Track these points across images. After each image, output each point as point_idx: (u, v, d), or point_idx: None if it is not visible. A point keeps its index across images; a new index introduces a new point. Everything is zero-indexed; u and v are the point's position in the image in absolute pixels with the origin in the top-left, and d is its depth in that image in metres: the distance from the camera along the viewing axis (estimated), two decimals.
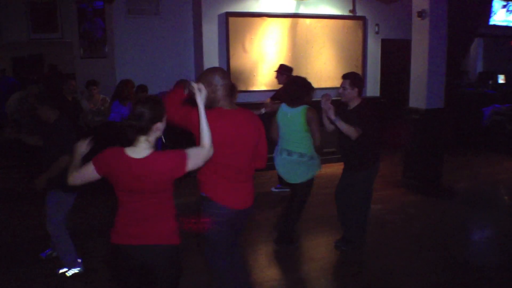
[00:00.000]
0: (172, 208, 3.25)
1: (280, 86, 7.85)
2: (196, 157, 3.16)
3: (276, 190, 8.12)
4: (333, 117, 5.08)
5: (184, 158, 3.10)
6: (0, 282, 5.04)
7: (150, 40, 9.95)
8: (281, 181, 7.92)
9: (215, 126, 3.34)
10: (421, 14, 7.87)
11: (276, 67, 8.33)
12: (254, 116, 3.85)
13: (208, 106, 3.46)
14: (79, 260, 5.21)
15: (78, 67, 10.18)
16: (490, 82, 14.43)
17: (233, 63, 9.71)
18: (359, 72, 10.98)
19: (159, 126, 3.12)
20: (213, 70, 3.78)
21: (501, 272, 5.35)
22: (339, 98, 5.66)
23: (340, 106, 5.61)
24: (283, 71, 7.98)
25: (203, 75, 3.71)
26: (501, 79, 14.84)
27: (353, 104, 5.48)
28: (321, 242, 6.07)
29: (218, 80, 3.61)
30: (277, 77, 8.05)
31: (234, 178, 3.69)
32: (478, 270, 5.38)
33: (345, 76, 5.55)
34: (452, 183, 8.67)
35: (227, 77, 3.78)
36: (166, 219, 3.21)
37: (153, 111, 3.07)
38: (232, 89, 3.69)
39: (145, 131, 3.06)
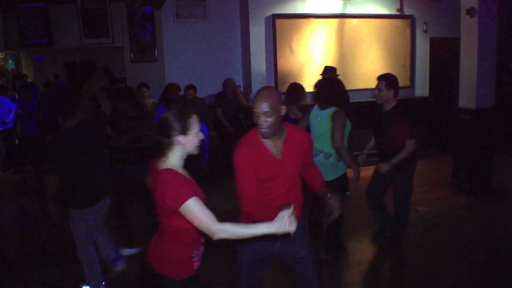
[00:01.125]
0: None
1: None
2: None
3: None
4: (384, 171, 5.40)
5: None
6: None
7: (198, 44, 10.13)
8: None
9: None
10: (470, 12, 7.74)
11: (322, 68, 8.30)
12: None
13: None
14: (104, 283, 4.99)
15: (128, 72, 10.41)
16: None
17: (280, 64, 9.76)
18: (408, 72, 10.90)
19: (181, 140, 3.00)
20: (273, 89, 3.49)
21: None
22: (374, 99, 5.68)
23: (375, 108, 5.66)
24: (330, 73, 7.91)
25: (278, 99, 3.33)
26: None
27: (389, 105, 5.47)
28: (365, 244, 6.06)
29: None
30: None
31: None
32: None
33: (380, 78, 5.51)
34: (503, 185, 8.46)
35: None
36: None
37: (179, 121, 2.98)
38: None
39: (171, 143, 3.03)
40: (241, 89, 9.92)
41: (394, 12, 10.70)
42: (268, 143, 3.35)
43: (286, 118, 7.49)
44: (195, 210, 2.85)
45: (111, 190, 4.97)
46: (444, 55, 11.15)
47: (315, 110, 5.64)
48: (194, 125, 3.01)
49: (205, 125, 8.97)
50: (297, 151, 3.41)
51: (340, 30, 10.26)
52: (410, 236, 6.08)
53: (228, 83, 9.17)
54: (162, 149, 3.01)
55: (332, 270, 5.51)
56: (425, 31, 11.06)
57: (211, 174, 9.00)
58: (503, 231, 6.47)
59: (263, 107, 3.22)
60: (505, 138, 10.75)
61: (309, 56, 10.02)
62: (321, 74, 7.95)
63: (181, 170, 3.06)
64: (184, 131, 2.95)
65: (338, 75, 7.83)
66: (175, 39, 10.07)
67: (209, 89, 9.85)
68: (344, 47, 10.32)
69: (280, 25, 9.69)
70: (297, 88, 7.09)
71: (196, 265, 3.15)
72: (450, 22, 10.59)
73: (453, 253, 5.75)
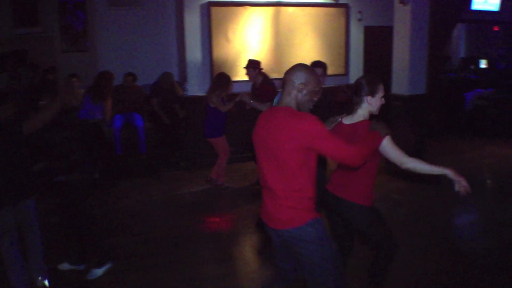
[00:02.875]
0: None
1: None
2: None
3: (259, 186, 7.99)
4: None
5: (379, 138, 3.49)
6: None
7: (132, 32, 9.82)
8: None
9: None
10: (403, 0, 7.81)
11: (259, 56, 8.21)
12: (289, 115, 3.11)
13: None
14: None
15: (59, 61, 10.00)
16: (472, 67, 14.45)
17: (216, 53, 9.60)
18: (342, 59, 10.95)
19: (369, 100, 3.68)
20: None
21: (489, 256, 5.35)
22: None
23: None
24: (253, 66, 7.72)
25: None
26: (483, 64, 14.87)
27: None
28: None
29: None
30: (248, 73, 7.72)
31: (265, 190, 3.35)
32: (466, 255, 5.38)
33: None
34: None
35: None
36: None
37: (368, 85, 3.68)
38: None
39: (360, 103, 3.69)
40: (177, 78, 9.70)
41: (329, 1, 10.69)
42: None
43: (207, 108, 7.41)
44: (391, 145, 3.57)
45: (31, 194, 4.56)
46: (378, 43, 11.26)
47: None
48: (380, 90, 3.72)
49: (140, 115, 8.75)
50: None
51: (276, 19, 10.17)
52: None
53: (164, 77, 8.94)
54: (352, 106, 3.72)
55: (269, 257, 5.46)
56: (359, 20, 11.12)
57: (149, 166, 8.79)
58: (438, 214, 6.60)
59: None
60: (438, 124, 10.99)
61: (245, 45, 9.89)
62: (244, 68, 7.79)
63: None
64: (371, 93, 3.68)
65: (262, 69, 7.73)
66: (108, 27, 9.71)
67: (144, 78, 9.58)
68: (280, 35, 10.25)
69: (215, 13, 9.51)
70: (221, 78, 7.25)
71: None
72: (384, 10, 10.69)
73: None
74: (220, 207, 7.09)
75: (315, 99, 3.23)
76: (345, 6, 10.85)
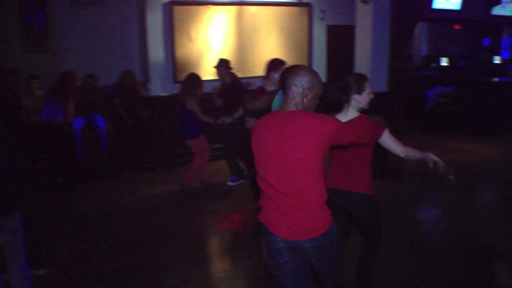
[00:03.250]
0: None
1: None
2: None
3: (232, 183, 7.97)
4: None
5: (374, 129, 3.66)
6: None
7: (94, 32, 9.64)
8: (235, 173, 7.84)
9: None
10: (364, 0, 7.90)
11: (222, 56, 8.19)
12: (299, 118, 2.94)
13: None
14: None
15: (19, 63, 9.81)
16: (434, 65, 14.71)
17: (179, 53, 9.58)
18: (305, 58, 11.03)
19: (357, 98, 3.84)
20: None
21: (448, 250, 5.45)
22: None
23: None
24: (224, 65, 7.65)
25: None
26: (444, 62, 15.18)
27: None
28: None
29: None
30: (219, 72, 7.61)
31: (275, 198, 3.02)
32: (426, 249, 5.47)
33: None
34: (398, 165, 8.77)
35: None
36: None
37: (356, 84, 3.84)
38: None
39: (349, 101, 3.85)
40: (139, 78, 9.62)
41: (292, 0, 10.76)
42: None
43: (183, 109, 7.36)
44: (390, 136, 3.84)
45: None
46: (340, 42, 11.38)
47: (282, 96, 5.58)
48: (367, 87, 3.88)
49: (101, 116, 8.65)
50: None
51: (239, 18, 10.19)
52: None
53: (126, 76, 8.85)
54: (342, 104, 3.87)
55: (237, 256, 5.46)
56: (322, 19, 11.23)
57: (112, 168, 8.69)
58: (400, 210, 6.67)
59: None
60: (400, 120, 11.16)
61: (208, 44, 9.89)
62: (215, 67, 7.75)
63: None
64: (359, 91, 3.84)
65: (232, 68, 7.72)
66: (69, 27, 9.52)
67: (106, 79, 9.45)
68: (243, 34, 10.28)
69: (178, 12, 9.49)
70: (194, 79, 7.18)
71: None
72: (346, 10, 10.82)
73: (354, 231, 5.84)
74: (185, 208, 7.04)
75: (317, 102, 3.11)
76: (308, 5, 10.93)
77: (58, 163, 7.88)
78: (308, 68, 3.10)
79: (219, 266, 5.30)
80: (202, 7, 9.76)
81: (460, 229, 6.12)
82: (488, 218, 6.57)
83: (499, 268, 5.16)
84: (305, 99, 2.97)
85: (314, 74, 3.03)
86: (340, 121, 3.02)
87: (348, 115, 3.84)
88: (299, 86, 2.96)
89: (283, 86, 3.04)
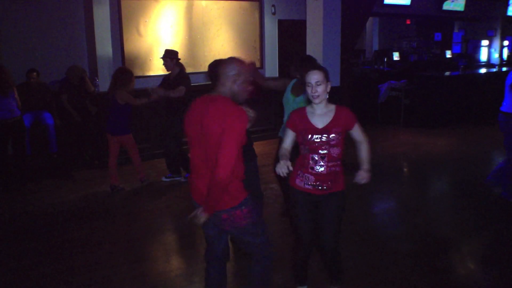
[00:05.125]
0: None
1: (168, 72, 7.82)
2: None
3: (167, 179, 8.09)
4: None
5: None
6: None
7: (37, 26, 9.57)
8: (171, 170, 7.97)
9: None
10: None
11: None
12: (220, 104, 3.39)
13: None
14: None
15: None
16: (386, 59, 15.11)
17: (128, 47, 9.64)
18: (257, 53, 11.23)
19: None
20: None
21: (402, 241, 5.69)
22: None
23: None
24: (170, 56, 7.77)
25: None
26: (395, 57, 15.61)
27: None
28: None
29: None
30: (165, 63, 7.75)
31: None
32: (380, 241, 5.67)
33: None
34: (352, 158, 9.00)
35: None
36: None
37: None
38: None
39: None
40: (87, 73, 9.60)
41: None
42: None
43: (113, 105, 7.37)
44: (360, 128, 4.07)
45: None
46: (292, 37, 11.62)
47: (288, 94, 5.69)
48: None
49: (49, 113, 8.64)
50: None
51: (189, 12, 10.31)
52: (272, 215, 6.39)
53: (73, 70, 8.84)
54: None
55: (186, 254, 5.58)
56: (273, 14, 11.44)
57: (61, 166, 8.67)
58: (355, 201, 6.87)
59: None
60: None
61: (157, 39, 9.97)
62: (162, 58, 7.81)
63: None
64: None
65: (179, 59, 7.83)
66: (11, 20, 9.44)
67: (52, 74, 9.42)
68: (193, 29, 10.40)
69: (126, 6, 9.54)
70: (124, 73, 7.27)
71: None
72: (297, 4, 11.07)
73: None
74: (136, 206, 7.08)
75: (249, 88, 3.53)
76: (258, 0, 11.11)
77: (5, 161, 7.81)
78: (236, 58, 3.57)
79: (173, 265, 5.34)
80: (151, 1, 9.83)
81: (414, 220, 6.38)
82: (440, 209, 6.87)
83: (452, 257, 5.38)
84: (234, 85, 3.43)
85: (242, 63, 3.50)
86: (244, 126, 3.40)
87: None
88: (228, 73, 3.43)
89: (211, 75, 3.63)
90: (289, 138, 3.89)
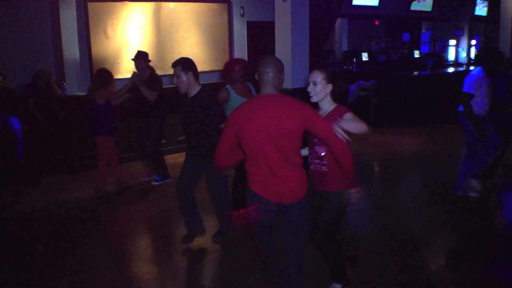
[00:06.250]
0: None
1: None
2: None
3: (157, 183, 8.13)
4: None
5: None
6: None
7: (3, 30, 9.42)
8: (159, 172, 8.02)
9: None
10: None
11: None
12: (285, 101, 3.67)
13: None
14: None
15: None
16: (355, 60, 15.32)
17: (95, 50, 9.63)
18: (227, 55, 11.31)
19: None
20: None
21: (373, 240, 5.85)
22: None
23: (182, 97, 5.47)
24: (143, 58, 7.88)
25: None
26: (364, 57, 15.84)
27: (194, 91, 5.30)
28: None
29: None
30: (138, 64, 7.85)
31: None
32: (352, 239, 5.70)
33: (174, 64, 5.27)
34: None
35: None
36: None
37: None
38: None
39: None
40: (54, 77, 9.57)
41: None
42: None
43: (94, 107, 7.42)
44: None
45: None
46: (261, 38, 11.72)
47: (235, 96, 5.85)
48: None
49: (16, 118, 8.60)
50: None
51: (157, 14, 10.36)
52: None
53: (40, 75, 8.83)
54: None
55: (161, 258, 5.64)
56: (242, 15, 11.55)
57: (29, 171, 8.63)
58: None
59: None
60: None
61: (125, 41, 10.00)
62: (133, 59, 7.90)
63: None
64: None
65: (150, 61, 7.91)
66: None
67: (19, 78, 9.35)
68: (161, 31, 10.45)
69: (93, 9, 9.53)
70: (103, 74, 7.35)
71: None
72: (266, 6, 11.19)
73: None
74: (107, 211, 7.12)
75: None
76: (227, 1, 11.25)
77: None
78: (274, 57, 3.95)
79: (146, 269, 5.36)
80: (119, 3, 9.84)
81: (384, 218, 6.55)
82: (410, 206, 7.08)
83: (423, 253, 5.53)
84: (278, 81, 3.72)
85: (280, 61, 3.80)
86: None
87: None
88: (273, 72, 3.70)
89: (258, 74, 3.71)
90: None
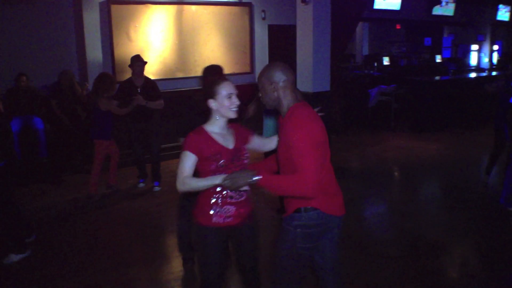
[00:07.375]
0: None
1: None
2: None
3: (159, 188, 8.12)
4: None
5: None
6: None
7: (27, 31, 9.66)
8: (159, 178, 8.10)
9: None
10: (304, 0, 8.26)
11: (162, 55, 8.35)
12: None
13: (273, 106, 3.37)
14: None
15: None
16: (376, 64, 15.33)
17: (118, 52, 9.76)
18: (248, 58, 11.41)
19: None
20: (272, 66, 3.37)
21: (392, 246, 5.81)
22: None
23: None
24: (137, 62, 7.71)
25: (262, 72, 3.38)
26: (385, 61, 15.86)
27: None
28: None
29: (279, 77, 3.28)
30: (142, 69, 7.78)
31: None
32: (370, 244, 5.79)
33: None
34: (342, 163, 9.23)
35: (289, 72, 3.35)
36: None
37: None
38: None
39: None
40: (77, 78, 9.71)
41: (232, 0, 11.13)
42: None
43: (95, 110, 7.46)
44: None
45: None
46: (282, 41, 11.81)
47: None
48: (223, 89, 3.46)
49: (39, 118, 8.74)
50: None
51: (179, 17, 10.47)
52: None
53: (64, 76, 8.96)
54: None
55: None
56: (263, 18, 11.65)
57: (51, 171, 8.75)
58: (348, 206, 6.97)
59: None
60: (343, 119, 11.68)
61: (147, 43, 10.12)
62: (144, 63, 7.80)
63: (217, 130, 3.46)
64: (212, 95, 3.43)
65: (146, 62, 7.88)
66: (1, 26, 9.54)
67: (42, 79, 9.52)
68: (183, 34, 10.55)
69: (116, 11, 9.68)
70: (105, 79, 7.30)
71: None
72: (287, 9, 11.27)
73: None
74: (124, 211, 7.17)
75: None
76: (248, 4, 11.33)
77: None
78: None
79: (167, 268, 5.37)
80: (141, 6, 9.98)
81: (403, 224, 6.49)
82: (430, 213, 7.01)
83: (442, 261, 5.46)
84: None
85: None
86: None
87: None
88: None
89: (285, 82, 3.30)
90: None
